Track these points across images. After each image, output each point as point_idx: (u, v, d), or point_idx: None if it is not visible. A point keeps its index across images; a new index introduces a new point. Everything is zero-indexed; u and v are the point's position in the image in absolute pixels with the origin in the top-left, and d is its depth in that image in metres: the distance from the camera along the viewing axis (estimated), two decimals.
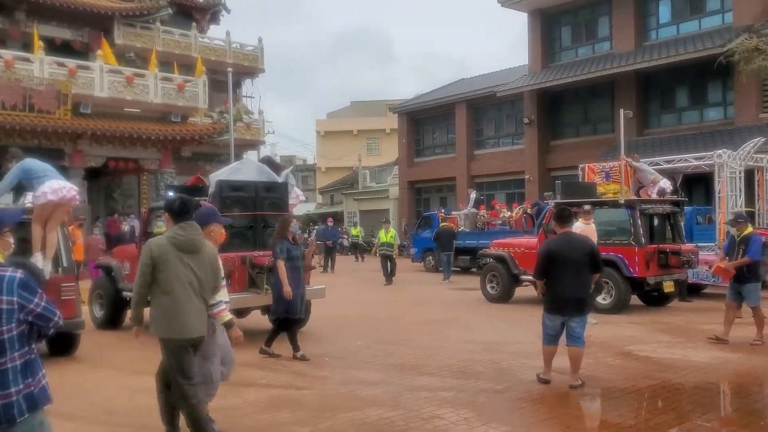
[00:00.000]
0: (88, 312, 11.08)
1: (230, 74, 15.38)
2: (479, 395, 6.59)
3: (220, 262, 5.31)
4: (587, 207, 11.73)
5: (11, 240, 3.20)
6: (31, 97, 20.80)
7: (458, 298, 15.23)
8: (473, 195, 23.98)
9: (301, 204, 11.43)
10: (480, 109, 32.85)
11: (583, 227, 10.77)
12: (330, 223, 27.29)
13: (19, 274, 2.94)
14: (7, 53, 21.64)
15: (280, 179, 10.44)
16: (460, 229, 21.93)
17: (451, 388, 6.84)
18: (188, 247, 4.93)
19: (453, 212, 23.91)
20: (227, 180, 10.05)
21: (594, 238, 10.89)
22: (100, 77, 22.86)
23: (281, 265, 8.29)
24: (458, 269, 21.86)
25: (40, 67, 21.62)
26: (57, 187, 7.77)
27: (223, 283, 5.31)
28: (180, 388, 4.95)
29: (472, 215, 22.88)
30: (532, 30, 29.57)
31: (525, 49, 30.36)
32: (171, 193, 11.76)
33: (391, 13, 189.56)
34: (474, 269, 20.65)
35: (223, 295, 5.31)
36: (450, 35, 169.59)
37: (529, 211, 20.29)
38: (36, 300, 2.94)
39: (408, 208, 35.75)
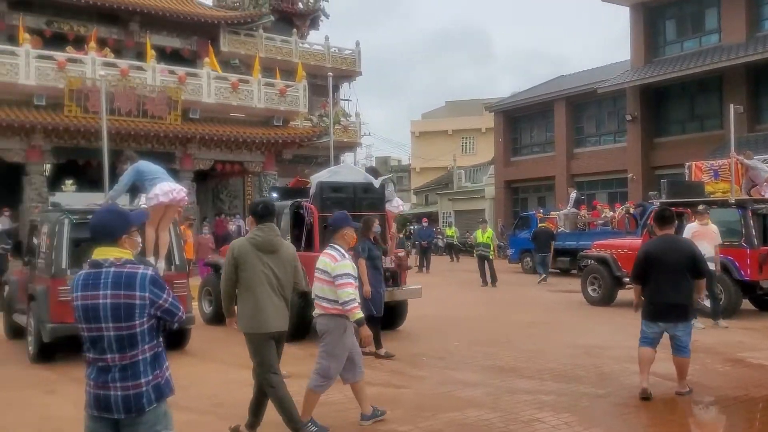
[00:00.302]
0: (198, 308, 11.65)
1: (330, 79, 15.72)
2: (581, 399, 6.49)
3: (348, 261, 5.52)
4: (701, 207, 11.16)
5: (139, 239, 3.43)
6: (144, 104, 22.08)
7: (558, 300, 14.96)
8: (573, 194, 23.45)
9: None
10: (580, 106, 32.06)
11: (697, 228, 10.33)
12: (425, 224, 27.38)
13: (150, 271, 3.14)
14: (123, 62, 23.03)
15: (376, 185, 10.55)
16: (559, 230, 21.51)
17: (551, 392, 6.77)
18: (267, 247, 5.24)
19: (552, 212, 23.47)
20: (327, 181, 10.32)
21: (715, 240, 10.44)
22: (207, 84, 23.96)
23: (363, 264, 8.46)
24: (557, 271, 21.46)
25: (153, 75, 22.87)
26: (168, 189, 8.17)
27: (354, 281, 5.48)
28: (265, 378, 5.30)
29: (573, 215, 22.37)
30: (634, 24, 28.57)
31: (627, 44, 29.45)
32: (275, 194, 12.23)
33: (489, 10, 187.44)
34: (574, 271, 20.23)
35: (355, 294, 5.48)
36: (549, 32, 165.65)
37: (632, 211, 19.64)
38: (164, 296, 3.14)
39: (504, 208, 35.35)
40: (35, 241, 9.59)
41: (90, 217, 8.46)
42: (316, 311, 5.59)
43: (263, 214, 5.36)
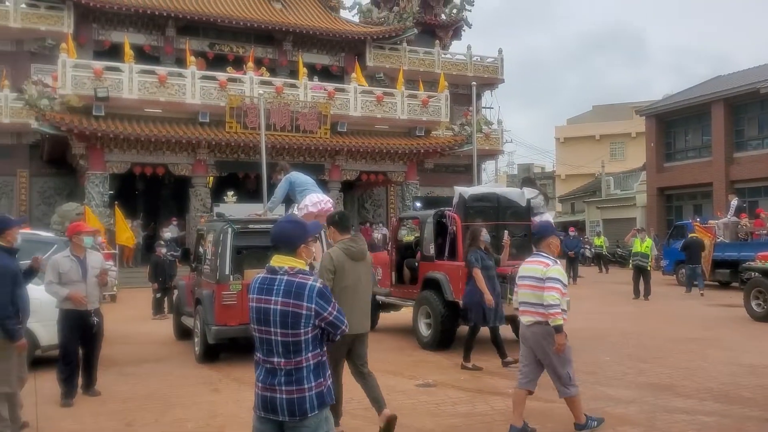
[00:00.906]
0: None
1: (474, 88, 15.83)
2: (747, 423, 6.08)
3: (560, 268, 5.65)
4: None
5: (314, 249, 3.62)
6: (297, 119, 23.28)
7: (717, 315, 14.02)
8: (734, 202, 21.83)
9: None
10: (740, 107, 29.87)
11: None
12: (572, 233, 26.56)
13: (318, 283, 3.28)
14: (278, 80, 24.43)
15: (523, 203, 10.42)
16: (718, 240, 20.14)
17: (712, 413, 6.39)
18: (359, 256, 5.77)
19: (710, 221, 21.99)
20: (470, 190, 10.36)
21: None
22: (354, 98, 24.86)
23: (478, 273, 8.46)
24: (716, 283, 20.12)
25: (304, 91, 24.05)
26: (317, 200, 8.57)
27: (564, 289, 5.58)
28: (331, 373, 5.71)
29: (733, 224, 20.82)
30: None
31: None
32: (418, 204, 12.45)
33: (646, 7, 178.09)
34: (735, 284, 18.88)
35: (563, 302, 5.59)
36: (710, 28, 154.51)
37: None
38: (330, 309, 3.28)
39: (657, 216, 33.55)
40: (201, 248, 10.39)
41: (251, 226, 9.15)
42: (526, 319, 5.69)
43: (342, 222, 5.94)
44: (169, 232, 19.01)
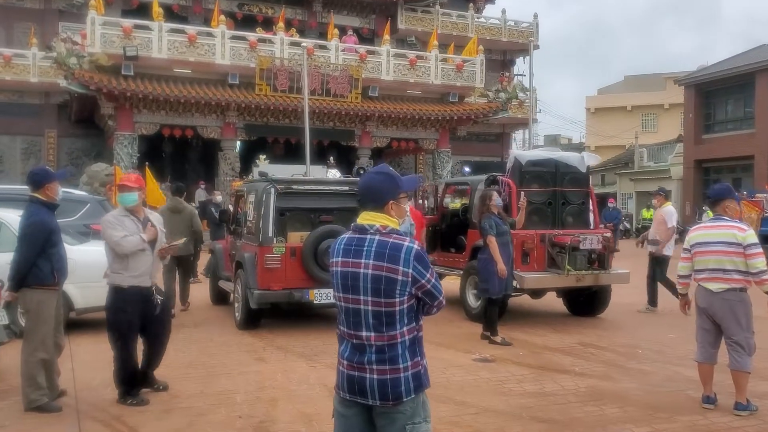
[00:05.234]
0: None
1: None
2: None
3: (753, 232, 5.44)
4: None
5: (406, 207, 3.09)
6: (328, 82, 22.59)
7: None
8: None
9: None
10: None
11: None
12: (611, 204, 25.73)
13: (416, 245, 2.76)
14: (308, 41, 23.68)
15: (583, 168, 9.82)
16: (766, 214, 19.36)
17: None
18: (174, 210, 9.72)
19: (757, 195, 21.16)
20: (526, 155, 9.78)
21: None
22: (386, 61, 24.10)
23: (493, 241, 7.89)
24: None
25: (335, 53, 23.33)
26: None
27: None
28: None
29: None
30: None
31: None
32: (467, 168, 11.87)
33: None
34: None
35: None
36: None
37: None
38: (428, 275, 2.76)
39: (694, 189, 32.62)
40: (240, 210, 9.96)
41: (295, 187, 8.66)
42: (717, 285, 5.38)
43: (175, 191, 10.27)
44: (219, 196, 18.57)
